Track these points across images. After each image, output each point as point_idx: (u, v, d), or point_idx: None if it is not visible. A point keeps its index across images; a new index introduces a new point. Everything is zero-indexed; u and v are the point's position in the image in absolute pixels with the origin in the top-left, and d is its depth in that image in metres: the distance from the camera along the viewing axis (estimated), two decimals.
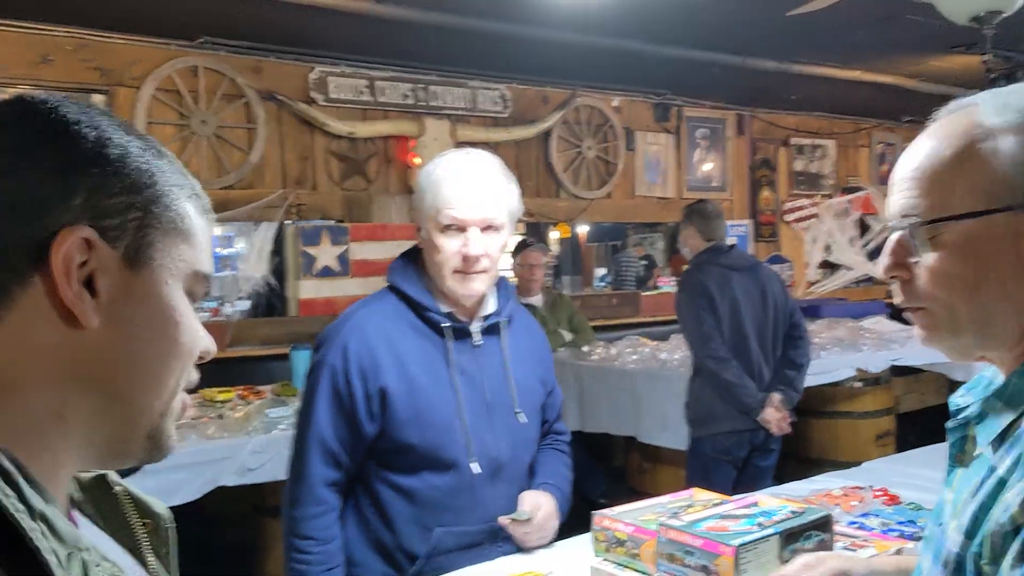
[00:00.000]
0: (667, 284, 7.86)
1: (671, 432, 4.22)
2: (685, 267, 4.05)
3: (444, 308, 1.84)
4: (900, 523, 1.92)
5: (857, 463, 5.30)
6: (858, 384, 5.20)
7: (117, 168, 0.66)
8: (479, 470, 1.80)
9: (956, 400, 1.04)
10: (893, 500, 2.12)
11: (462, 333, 1.84)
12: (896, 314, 6.68)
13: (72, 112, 0.67)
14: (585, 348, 5.05)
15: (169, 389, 0.71)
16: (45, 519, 0.58)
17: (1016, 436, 0.89)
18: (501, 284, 1.94)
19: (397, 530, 1.80)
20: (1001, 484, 0.87)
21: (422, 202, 1.80)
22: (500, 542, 1.86)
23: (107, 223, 0.65)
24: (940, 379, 6.72)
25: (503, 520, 1.82)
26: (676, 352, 4.55)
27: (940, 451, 2.73)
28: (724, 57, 5.12)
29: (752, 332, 3.89)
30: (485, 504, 1.83)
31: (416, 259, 1.90)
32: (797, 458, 4.89)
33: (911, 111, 7.06)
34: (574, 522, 1.98)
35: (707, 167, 6.48)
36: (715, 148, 6.53)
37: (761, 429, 3.88)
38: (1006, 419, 0.91)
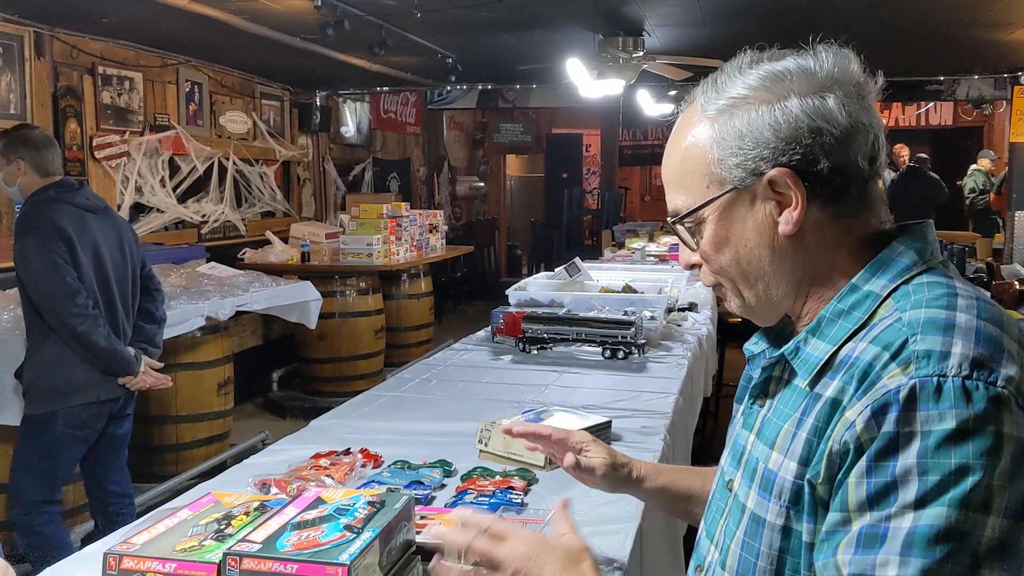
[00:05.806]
0: None
1: (7, 408, 3.46)
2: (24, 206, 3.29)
3: None
4: (407, 486, 1.79)
5: (201, 415, 5.17)
6: (198, 333, 4.95)
7: None
8: None
9: (751, 347, 1.13)
10: (377, 460, 1.98)
11: None
12: (220, 258, 6.56)
13: None
14: None
15: None
16: None
17: (839, 364, 0.95)
18: None
19: None
20: (835, 406, 0.91)
21: None
22: None
23: None
24: (256, 321, 6.85)
25: None
26: (4, 312, 3.72)
27: (356, 403, 2.68)
28: None
29: (115, 285, 3.36)
30: None
31: None
32: (138, 418, 4.45)
33: (225, 51, 6.91)
34: None
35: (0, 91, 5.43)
36: (10, 69, 5.50)
37: (120, 396, 3.41)
38: (824, 351, 0.98)
